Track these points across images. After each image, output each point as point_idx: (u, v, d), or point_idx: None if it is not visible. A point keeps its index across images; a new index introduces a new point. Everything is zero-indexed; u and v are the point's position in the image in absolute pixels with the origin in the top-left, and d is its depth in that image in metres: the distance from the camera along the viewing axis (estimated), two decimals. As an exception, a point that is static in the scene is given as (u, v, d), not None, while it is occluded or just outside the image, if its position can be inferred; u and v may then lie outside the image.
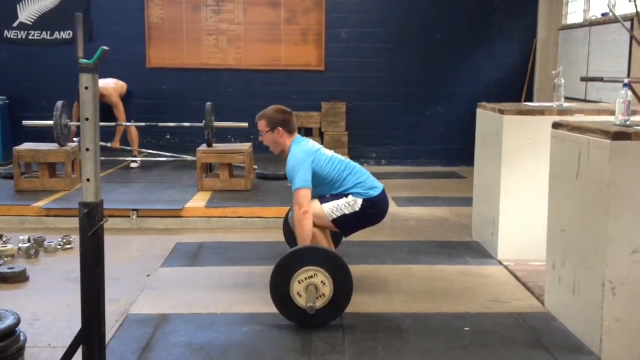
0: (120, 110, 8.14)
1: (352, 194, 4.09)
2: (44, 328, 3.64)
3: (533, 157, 4.67)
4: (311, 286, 3.62)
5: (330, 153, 4.22)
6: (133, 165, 8.25)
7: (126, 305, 3.98)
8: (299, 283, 3.63)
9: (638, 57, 6.52)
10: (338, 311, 3.69)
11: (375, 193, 4.12)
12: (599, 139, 3.29)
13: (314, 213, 3.98)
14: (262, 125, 4.18)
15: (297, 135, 4.22)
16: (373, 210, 4.13)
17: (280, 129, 4.14)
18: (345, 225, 4.13)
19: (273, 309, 3.72)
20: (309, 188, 3.98)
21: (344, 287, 3.66)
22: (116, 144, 8.26)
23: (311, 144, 4.23)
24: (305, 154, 4.06)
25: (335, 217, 4.06)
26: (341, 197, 4.09)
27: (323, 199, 4.09)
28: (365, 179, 4.16)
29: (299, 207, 3.96)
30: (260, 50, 9.28)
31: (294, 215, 4.01)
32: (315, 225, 4.00)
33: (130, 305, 3.98)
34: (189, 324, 3.70)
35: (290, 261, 3.68)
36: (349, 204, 4.07)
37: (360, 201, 4.07)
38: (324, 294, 3.63)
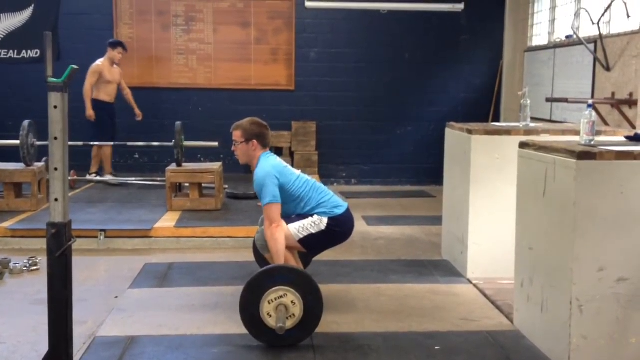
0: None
1: (317, 213, 4.09)
2: (8, 351, 3.57)
3: (500, 176, 4.73)
4: (281, 306, 3.60)
5: (297, 172, 4.24)
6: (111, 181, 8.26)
7: (94, 327, 3.91)
8: (269, 303, 3.61)
9: (601, 78, 6.67)
10: (308, 331, 3.68)
11: (339, 211, 4.13)
12: (565, 159, 3.35)
13: None
14: (237, 135, 4.16)
15: (267, 150, 4.22)
16: (339, 229, 4.13)
17: (255, 141, 4.13)
18: (312, 244, 4.12)
19: (243, 330, 3.69)
20: (279, 203, 3.98)
21: (313, 306, 3.65)
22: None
23: (279, 160, 4.23)
24: (273, 168, 4.06)
25: (301, 236, 4.06)
26: (306, 217, 4.09)
27: (288, 220, 4.08)
28: (329, 198, 4.17)
29: (270, 222, 3.95)
30: (230, 70, 9.30)
31: (266, 231, 3.99)
32: None
33: (98, 327, 3.92)
34: (157, 345, 3.65)
35: (260, 281, 3.66)
36: (315, 223, 4.07)
37: (325, 220, 4.07)
38: (293, 314, 3.62)
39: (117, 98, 8.41)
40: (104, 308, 4.25)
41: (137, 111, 8.50)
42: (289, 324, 3.60)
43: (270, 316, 3.60)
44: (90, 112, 8.07)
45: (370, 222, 6.97)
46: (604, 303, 3.30)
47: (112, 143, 8.20)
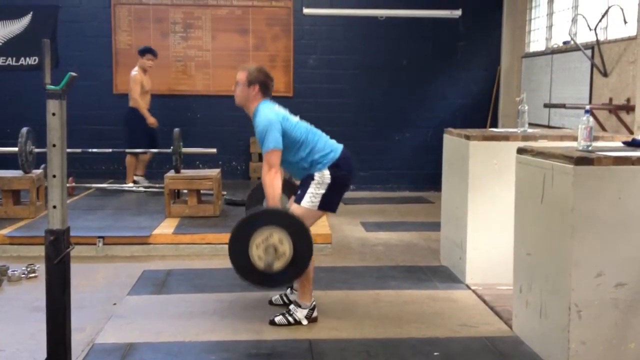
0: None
1: (317, 169, 4.03)
2: (7, 359, 3.56)
3: (499, 181, 4.74)
4: (270, 247, 3.64)
5: (296, 118, 4.22)
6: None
7: (92, 334, 3.91)
8: (257, 247, 3.63)
9: (599, 84, 6.69)
10: (302, 267, 3.73)
11: (336, 155, 4.09)
12: (563, 164, 3.36)
13: (299, 213, 3.95)
14: (241, 76, 4.15)
15: (267, 99, 4.18)
16: (342, 172, 4.08)
17: (257, 87, 4.12)
18: (329, 203, 4.07)
19: (242, 337, 3.69)
20: (280, 149, 3.97)
21: (302, 241, 3.68)
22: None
23: (278, 107, 4.21)
24: (276, 115, 4.05)
25: (318, 203, 4.02)
26: (309, 184, 4.03)
27: (297, 198, 4.06)
28: (324, 143, 4.13)
29: (269, 167, 3.94)
30: (229, 76, 9.24)
31: (264, 177, 3.97)
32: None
33: (96, 334, 3.92)
34: (156, 352, 3.64)
35: (242, 229, 3.69)
36: (319, 184, 4.02)
37: (326, 172, 4.02)
38: (284, 252, 3.64)
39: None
40: (103, 315, 4.24)
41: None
42: (281, 263, 3.64)
43: (262, 259, 3.63)
44: (151, 120, 8.08)
45: (368, 228, 6.97)
46: (602, 308, 3.30)
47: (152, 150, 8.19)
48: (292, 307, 4.08)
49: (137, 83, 8.08)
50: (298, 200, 4.06)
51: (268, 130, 3.96)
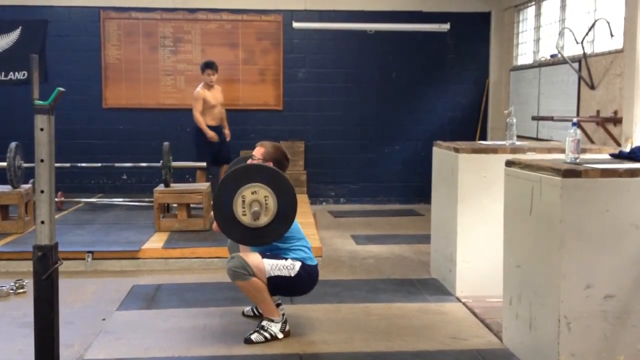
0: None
1: (292, 257, 4.04)
2: (-6, 376, 3.54)
3: (488, 194, 4.76)
4: (253, 203, 3.82)
5: None
6: None
7: (81, 350, 3.88)
8: (243, 208, 3.82)
9: (586, 96, 6.74)
10: (288, 218, 3.90)
11: (313, 262, 4.12)
12: (551, 176, 3.38)
13: (255, 263, 3.93)
14: (258, 151, 4.22)
15: None
16: (306, 279, 4.09)
17: (271, 164, 4.16)
18: (277, 285, 4.02)
19: (232, 351, 3.67)
20: None
21: (281, 188, 3.88)
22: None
23: None
24: None
25: (272, 274, 3.97)
26: (281, 258, 4.03)
27: (264, 255, 4.02)
28: (309, 246, 4.19)
29: None
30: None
31: None
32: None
33: (85, 350, 3.89)
34: (145, 368, 3.63)
35: (220, 197, 3.86)
36: (287, 267, 4.00)
37: (298, 266, 4.02)
38: (267, 198, 3.83)
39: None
40: (92, 330, 4.21)
41: (226, 131, 8.45)
42: (268, 217, 3.84)
43: (245, 214, 3.84)
44: (210, 134, 8.09)
45: (359, 241, 6.97)
46: (591, 320, 3.31)
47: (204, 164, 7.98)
48: (265, 322, 4.04)
49: (197, 100, 8.12)
50: (263, 256, 4.01)
51: None
